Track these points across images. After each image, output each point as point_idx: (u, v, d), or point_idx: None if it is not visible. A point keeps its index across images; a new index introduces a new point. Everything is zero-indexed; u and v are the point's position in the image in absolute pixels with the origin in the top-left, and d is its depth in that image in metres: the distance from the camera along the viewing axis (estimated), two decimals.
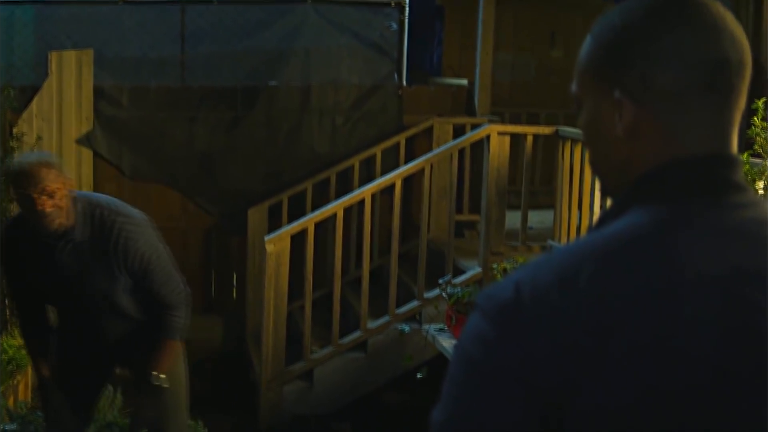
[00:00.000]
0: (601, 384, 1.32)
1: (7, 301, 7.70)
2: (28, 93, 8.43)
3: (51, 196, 4.23)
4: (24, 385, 6.88)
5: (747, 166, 5.18)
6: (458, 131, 9.05)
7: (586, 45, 1.58)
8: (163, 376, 4.63)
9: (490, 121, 8.16)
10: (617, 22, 1.53)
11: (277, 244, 7.31)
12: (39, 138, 8.29)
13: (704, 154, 1.47)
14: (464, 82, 9.90)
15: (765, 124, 5.34)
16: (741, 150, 4.38)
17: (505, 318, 1.39)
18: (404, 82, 9.48)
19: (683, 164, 1.46)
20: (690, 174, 1.46)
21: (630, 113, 1.49)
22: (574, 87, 1.61)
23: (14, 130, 8.16)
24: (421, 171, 7.73)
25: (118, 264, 4.45)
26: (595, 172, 1.62)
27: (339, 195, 8.30)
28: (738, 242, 1.41)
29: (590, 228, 1.52)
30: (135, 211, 4.62)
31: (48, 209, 4.23)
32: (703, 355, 1.33)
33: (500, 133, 7.56)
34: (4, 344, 6.70)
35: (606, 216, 1.51)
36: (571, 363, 1.33)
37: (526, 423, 1.36)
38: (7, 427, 5.52)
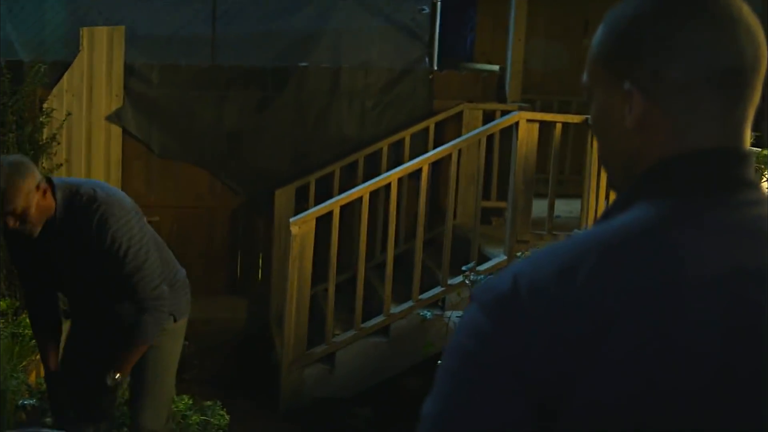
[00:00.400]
0: (598, 378, 1.31)
1: None
2: (59, 69, 8.46)
3: (22, 217, 4.26)
4: None
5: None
6: (488, 117, 9.00)
7: (598, 33, 1.57)
8: (118, 377, 4.56)
9: (520, 108, 8.11)
10: (631, 12, 1.51)
11: (302, 226, 7.31)
12: (69, 114, 8.32)
13: (713, 149, 1.45)
14: (496, 68, 9.85)
15: None
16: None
17: (501, 310, 1.38)
18: (435, 67, 9.44)
19: (691, 159, 1.44)
20: (698, 169, 1.44)
21: (640, 106, 1.47)
22: (585, 77, 1.59)
23: (44, 106, 8.19)
24: (449, 156, 7.70)
25: (97, 250, 4.41)
26: (603, 164, 1.60)
27: (366, 178, 8.28)
28: (744, 240, 1.39)
29: (595, 221, 1.50)
30: (120, 198, 4.52)
31: (22, 226, 4.28)
32: (702, 353, 1.31)
33: (529, 121, 7.51)
34: (27, 320, 6.73)
35: (611, 209, 1.49)
36: (568, 356, 1.32)
37: (521, 417, 1.34)
38: (26, 402, 5.54)
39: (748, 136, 1.49)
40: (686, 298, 1.32)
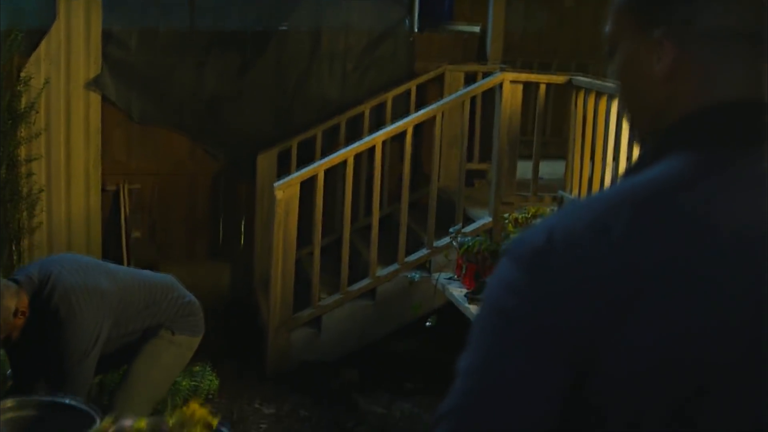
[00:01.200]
0: (633, 329, 1.31)
1: (14, 245, 7.70)
2: (36, 36, 8.35)
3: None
4: None
5: None
6: (469, 79, 8.97)
7: None
8: None
9: (503, 69, 8.07)
10: None
11: (286, 190, 7.28)
12: (47, 81, 8.23)
13: (743, 100, 1.44)
14: (476, 29, 9.80)
15: None
16: None
17: (537, 264, 1.37)
18: (416, 29, 9.39)
19: (721, 111, 1.43)
20: (728, 121, 1.43)
21: (670, 55, 1.46)
22: (608, 28, 1.58)
23: (22, 74, 8.10)
24: (432, 119, 7.68)
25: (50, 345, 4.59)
26: (628, 117, 1.59)
27: (349, 142, 8.25)
28: None
29: (624, 174, 1.49)
30: (86, 297, 4.66)
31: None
32: (736, 303, 1.31)
33: (513, 81, 7.49)
34: None
35: (640, 162, 1.48)
36: (603, 310, 1.31)
37: (556, 371, 1.35)
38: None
39: None
40: (720, 252, 1.32)
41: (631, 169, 1.48)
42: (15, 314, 4.42)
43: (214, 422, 2.38)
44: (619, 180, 1.52)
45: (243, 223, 9.27)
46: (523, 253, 1.39)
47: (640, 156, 1.49)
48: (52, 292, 4.55)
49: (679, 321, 1.30)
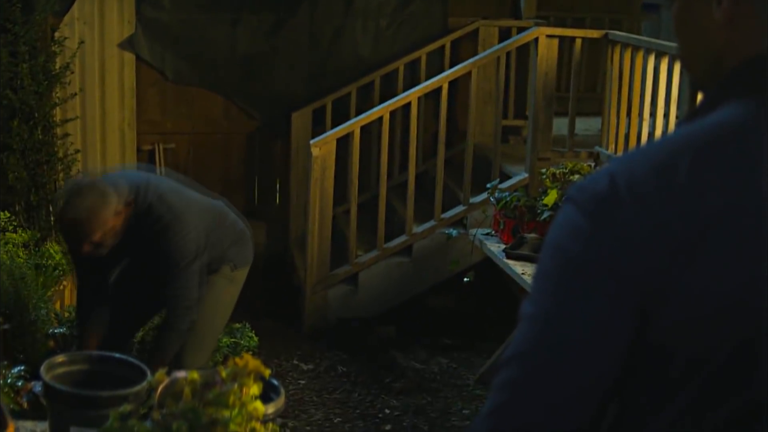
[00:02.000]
0: (699, 272, 1.31)
1: (51, 207, 7.74)
2: None
3: (98, 245, 4.31)
4: (70, 289, 6.93)
5: None
6: (503, 35, 8.93)
7: None
8: None
9: (538, 24, 8.03)
10: None
11: (322, 147, 7.29)
12: (81, 42, 8.24)
13: None
14: None
15: None
16: None
17: (600, 210, 1.37)
18: None
19: None
20: None
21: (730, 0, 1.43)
22: None
23: (56, 35, 8.11)
24: (467, 75, 7.65)
25: (154, 258, 4.58)
26: (685, 64, 1.58)
27: (383, 99, 8.24)
28: None
29: (684, 120, 1.49)
30: (185, 208, 4.62)
31: (95, 251, 4.34)
32: None
33: (549, 36, 7.44)
34: (50, 250, 6.73)
35: (699, 109, 1.47)
36: (669, 255, 1.31)
37: (621, 316, 1.35)
38: (57, 331, 5.55)
39: None
40: None
41: (690, 116, 1.48)
42: (117, 214, 4.31)
43: (267, 373, 2.39)
44: (679, 126, 1.51)
45: (278, 181, 9.28)
46: (586, 199, 1.39)
47: (700, 103, 1.49)
48: (152, 197, 4.49)
49: (743, 263, 1.30)
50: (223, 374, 2.32)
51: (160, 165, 8.82)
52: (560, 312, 1.37)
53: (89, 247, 4.28)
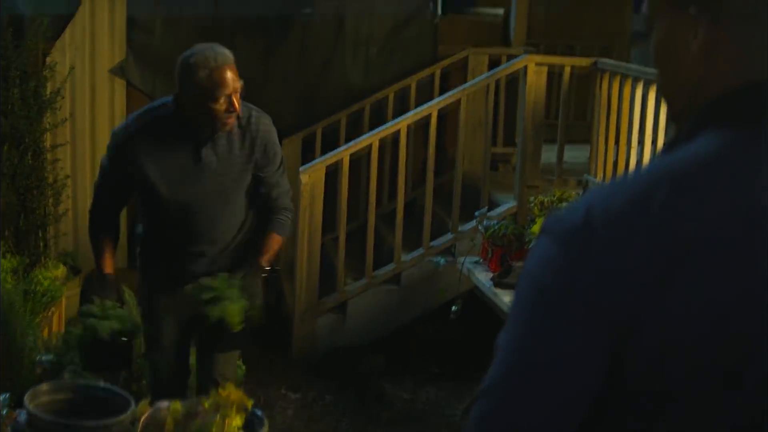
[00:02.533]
0: (674, 301, 1.32)
1: (41, 233, 7.73)
2: (61, 22, 8.36)
3: (231, 101, 4.27)
4: (58, 316, 6.92)
5: None
6: (493, 62, 8.96)
7: None
8: (267, 267, 4.68)
9: (527, 52, 8.06)
10: None
11: (312, 175, 7.29)
12: (72, 68, 8.25)
13: None
14: (500, 12, 9.78)
15: None
16: None
17: (575, 241, 1.38)
18: (439, 12, 9.37)
19: (757, 87, 1.43)
20: (762, 98, 1.43)
21: (705, 32, 1.46)
22: (645, 6, 1.59)
23: (47, 60, 8.13)
24: (456, 103, 7.67)
25: (253, 158, 4.49)
26: (664, 96, 1.60)
27: (373, 127, 8.25)
28: None
29: (660, 152, 1.50)
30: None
31: (227, 113, 4.28)
32: None
33: (538, 65, 7.47)
34: (39, 276, 6.72)
35: (676, 140, 1.49)
36: (643, 286, 1.32)
37: (595, 346, 1.36)
38: (44, 358, 5.53)
39: None
40: (758, 227, 1.33)
41: (667, 147, 1.49)
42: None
43: (249, 404, 2.39)
44: (655, 158, 1.53)
45: None
46: (562, 230, 1.41)
47: (676, 134, 1.51)
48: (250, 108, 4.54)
49: (718, 294, 1.31)
50: (206, 405, 2.32)
51: None
52: (533, 342, 1.39)
53: (236, 99, 4.28)
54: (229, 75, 4.28)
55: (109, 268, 4.59)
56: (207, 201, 4.51)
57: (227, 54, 4.36)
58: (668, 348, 1.33)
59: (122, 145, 4.44)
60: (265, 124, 4.55)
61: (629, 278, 1.33)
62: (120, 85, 8.62)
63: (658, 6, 1.55)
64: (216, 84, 4.23)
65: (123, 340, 4.35)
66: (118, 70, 8.57)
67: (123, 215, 8.41)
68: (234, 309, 4.42)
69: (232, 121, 4.34)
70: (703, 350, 1.32)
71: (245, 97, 4.44)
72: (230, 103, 4.25)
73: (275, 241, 4.68)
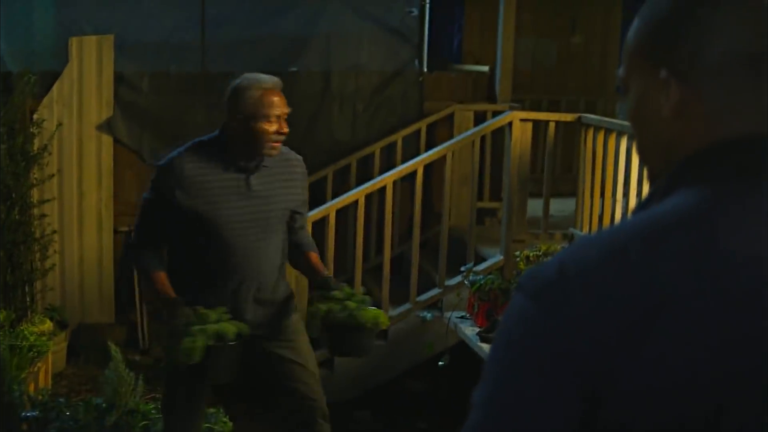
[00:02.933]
0: (648, 364, 1.32)
1: (27, 288, 7.73)
2: (49, 79, 8.42)
3: (280, 125, 4.44)
4: (44, 371, 6.90)
5: None
6: (479, 118, 9.02)
7: (634, 25, 1.58)
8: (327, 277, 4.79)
9: (512, 108, 8.13)
10: (665, 1, 1.51)
11: None
12: (59, 124, 8.29)
13: (752, 135, 1.45)
14: (485, 68, 9.87)
15: None
16: None
17: (549, 298, 1.38)
18: (425, 69, 9.44)
19: (730, 146, 1.45)
20: (737, 155, 1.44)
21: (677, 93, 1.48)
22: (620, 71, 1.61)
23: (35, 116, 8.16)
24: (442, 158, 7.71)
25: (296, 192, 4.68)
26: (641, 156, 1.62)
27: (359, 182, 8.29)
28: None
29: (634, 210, 1.52)
30: None
31: (277, 136, 4.44)
32: (748, 337, 1.32)
33: (522, 120, 7.53)
34: (25, 331, 6.71)
35: (651, 197, 1.50)
36: (617, 339, 1.32)
37: (569, 402, 1.35)
38: (29, 414, 5.52)
39: None
40: (732, 284, 1.33)
41: (641, 205, 1.51)
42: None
43: None
44: (629, 216, 1.55)
45: None
46: (535, 286, 1.41)
47: (651, 192, 1.51)
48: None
49: (694, 345, 1.31)
50: None
51: None
52: (508, 397, 1.38)
53: (284, 119, 4.47)
54: (278, 98, 4.48)
55: (174, 293, 4.52)
56: (252, 231, 4.54)
57: (276, 80, 4.55)
58: (642, 400, 1.32)
59: (169, 173, 4.44)
60: (303, 163, 4.76)
61: (603, 331, 1.33)
62: (107, 140, 8.65)
63: (632, 68, 1.57)
64: (266, 104, 4.42)
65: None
66: (105, 127, 8.61)
67: (109, 260, 8.53)
68: (379, 312, 4.61)
69: (278, 145, 4.48)
70: (677, 403, 1.32)
71: None
72: (279, 125, 4.42)
73: (317, 257, 4.87)
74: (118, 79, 8.69)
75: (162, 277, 4.53)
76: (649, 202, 1.49)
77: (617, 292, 1.34)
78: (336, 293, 4.57)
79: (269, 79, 4.53)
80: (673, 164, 1.50)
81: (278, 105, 4.44)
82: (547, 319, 1.37)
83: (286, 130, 4.46)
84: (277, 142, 4.44)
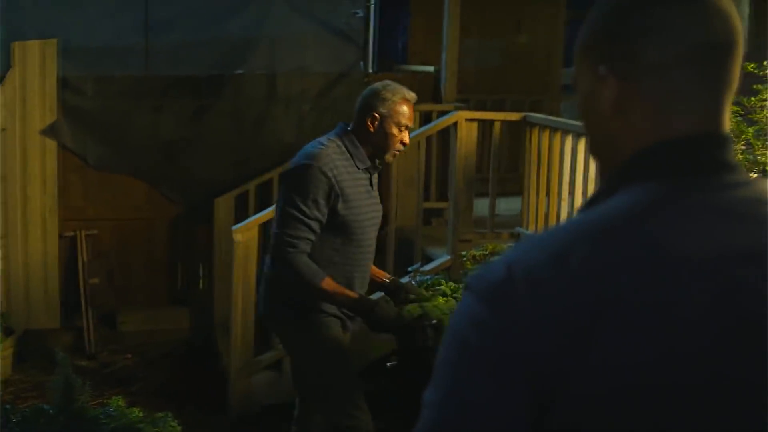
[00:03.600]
0: (596, 363, 1.32)
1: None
2: None
3: (404, 136, 4.69)
4: None
5: None
6: (425, 118, 9.03)
7: (583, 24, 1.58)
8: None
9: (458, 108, 8.14)
10: (609, 1, 1.54)
11: (245, 233, 7.28)
12: (3, 129, 8.22)
13: (693, 133, 1.46)
14: (431, 69, 9.89)
15: None
16: None
17: (497, 298, 1.39)
18: (371, 70, 9.46)
19: (672, 144, 1.46)
20: (679, 154, 1.46)
21: (615, 89, 1.50)
22: (574, 67, 1.62)
23: None
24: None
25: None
26: (592, 153, 1.63)
27: None
28: (729, 223, 1.41)
29: (580, 208, 1.53)
30: None
31: (402, 145, 4.70)
32: (695, 334, 1.33)
33: (468, 120, 7.54)
34: None
35: (597, 196, 1.51)
36: (565, 342, 1.33)
37: (519, 403, 1.35)
38: None
39: (728, 119, 1.51)
40: (676, 282, 1.34)
41: (587, 204, 1.51)
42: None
43: None
44: (575, 214, 1.55)
45: (202, 266, 9.26)
46: (484, 287, 1.41)
47: (596, 191, 1.52)
48: None
49: (641, 347, 1.32)
50: None
51: (82, 252, 8.77)
52: (458, 397, 1.38)
53: (406, 132, 4.71)
54: (411, 110, 4.73)
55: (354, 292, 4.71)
56: (372, 230, 4.88)
57: (414, 94, 4.78)
58: (591, 403, 1.33)
59: (320, 173, 4.53)
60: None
61: (551, 333, 1.33)
62: (51, 145, 8.59)
63: (579, 65, 1.59)
64: (404, 113, 4.64)
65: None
66: (50, 131, 8.54)
67: (55, 266, 8.47)
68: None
69: (396, 155, 4.77)
70: (627, 406, 1.33)
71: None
72: (406, 136, 4.70)
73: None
74: (62, 83, 8.64)
75: (334, 282, 4.63)
76: (595, 201, 1.50)
77: (562, 294, 1.34)
78: (415, 294, 4.91)
79: (411, 93, 4.75)
80: (617, 161, 1.51)
81: (411, 117, 4.70)
82: (496, 321, 1.37)
83: (407, 141, 4.72)
84: (397, 152, 4.72)
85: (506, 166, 10.02)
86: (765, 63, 5.19)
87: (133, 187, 9.02)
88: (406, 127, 4.67)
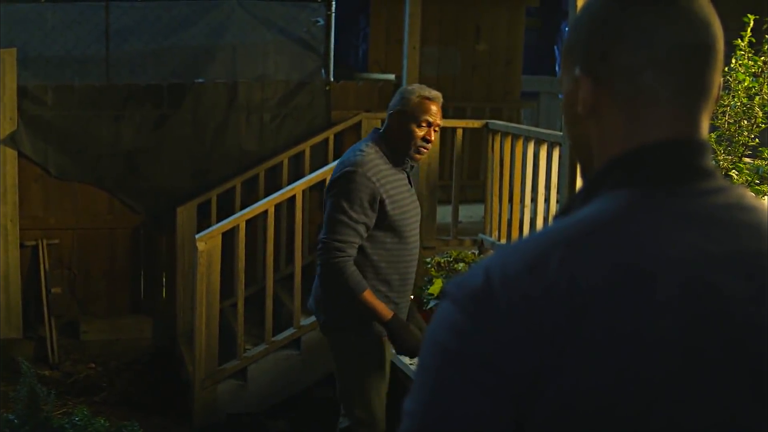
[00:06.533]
0: (573, 369, 1.33)
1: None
2: None
3: (436, 133, 4.86)
4: None
5: None
6: None
7: (568, 26, 1.61)
8: None
9: None
10: (586, 5, 1.55)
11: (208, 242, 7.27)
12: None
13: (668, 139, 1.47)
14: (391, 77, 9.92)
15: None
16: None
17: (476, 306, 1.39)
18: (332, 78, 9.47)
19: (647, 150, 1.46)
20: (654, 160, 1.46)
21: (589, 91, 1.50)
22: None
23: None
24: None
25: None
26: (574, 156, 1.63)
27: (268, 192, 8.28)
28: (704, 229, 1.42)
29: (556, 215, 1.54)
30: None
31: (425, 144, 4.79)
32: (669, 340, 1.34)
33: None
34: None
35: (573, 202, 1.51)
36: (543, 349, 1.33)
37: (499, 410, 1.35)
38: None
39: (706, 125, 1.51)
40: (649, 287, 1.35)
41: (563, 210, 1.52)
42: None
43: None
44: (552, 221, 1.56)
45: (164, 275, 9.24)
46: (463, 295, 1.41)
47: (572, 197, 1.53)
48: None
49: (617, 350, 1.33)
50: None
51: (43, 261, 8.72)
52: (438, 407, 1.38)
53: (434, 129, 4.85)
54: (435, 108, 4.85)
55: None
56: (415, 227, 4.99)
57: (439, 94, 4.91)
58: (567, 409, 1.33)
59: (365, 176, 4.67)
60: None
61: (528, 341, 1.34)
62: (12, 155, 8.54)
63: (562, 66, 1.61)
64: (423, 109, 4.76)
65: None
66: (9, 141, 8.49)
67: (16, 275, 8.42)
68: None
69: (425, 153, 4.88)
70: (601, 416, 1.33)
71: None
72: (428, 132, 4.77)
73: None
74: (22, 92, 8.60)
75: (373, 296, 4.76)
76: (570, 208, 1.50)
77: (540, 301, 1.34)
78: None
79: (434, 91, 4.90)
80: (593, 167, 1.52)
81: (433, 113, 4.81)
82: (475, 327, 1.37)
83: (433, 138, 4.81)
84: (424, 149, 4.81)
85: (467, 173, 10.05)
86: (725, 69, 5.26)
87: (94, 196, 8.99)
88: (428, 124, 4.77)
